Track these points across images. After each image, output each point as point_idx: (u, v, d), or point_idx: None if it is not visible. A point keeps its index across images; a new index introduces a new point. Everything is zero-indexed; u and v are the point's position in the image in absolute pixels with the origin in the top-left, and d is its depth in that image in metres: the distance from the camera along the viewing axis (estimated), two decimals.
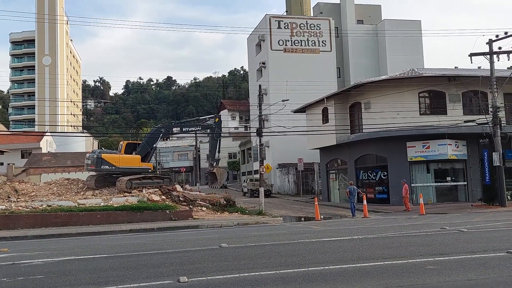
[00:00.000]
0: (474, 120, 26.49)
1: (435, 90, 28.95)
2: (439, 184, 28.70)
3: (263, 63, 51.64)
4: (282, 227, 18.58)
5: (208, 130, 32.37)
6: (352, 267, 8.35)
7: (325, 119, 33.39)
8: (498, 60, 25.17)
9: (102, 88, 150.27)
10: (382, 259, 9.02)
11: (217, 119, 31.45)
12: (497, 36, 24.71)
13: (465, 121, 27.07)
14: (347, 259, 9.29)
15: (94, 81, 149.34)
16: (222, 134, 30.56)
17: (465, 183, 28.80)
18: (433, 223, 16.95)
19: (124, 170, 27.00)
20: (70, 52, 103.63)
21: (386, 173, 29.47)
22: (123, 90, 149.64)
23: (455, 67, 35.15)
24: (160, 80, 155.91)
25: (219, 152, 30.82)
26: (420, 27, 54.13)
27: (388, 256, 9.39)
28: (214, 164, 30.67)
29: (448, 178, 29.03)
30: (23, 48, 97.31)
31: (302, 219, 23.54)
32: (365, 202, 23.31)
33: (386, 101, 27.90)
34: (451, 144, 27.59)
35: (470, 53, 24.73)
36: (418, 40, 53.42)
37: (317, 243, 12.11)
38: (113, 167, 26.67)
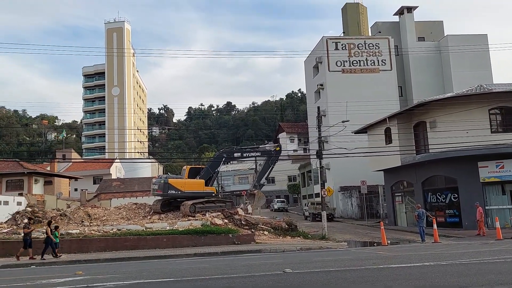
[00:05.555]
0: None
1: (507, 106, 27.37)
2: None
3: (321, 85, 51.46)
4: (347, 252, 18.06)
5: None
6: None
7: (388, 139, 32.47)
8: None
9: (166, 115, 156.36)
10: None
11: (278, 148, 32.14)
12: None
13: None
14: (419, 287, 8.81)
15: (158, 108, 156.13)
16: (281, 157, 31.17)
17: None
18: None
19: (189, 195, 27.71)
20: (137, 82, 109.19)
21: (456, 195, 27.98)
22: (186, 116, 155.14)
23: None
24: (220, 106, 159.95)
25: (266, 178, 31.39)
26: (487, 41, 51.79)
27: (464, 285, 8.79)
28: (258, 187, 30.92)
29: None
30: (95, 81, 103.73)
31: (370, 244, 22.76)
32: (435, 226, 22.20)
33: (453, 120, 26.70)
34: None
35: None
36: (485, 55, 51.06)
37: (386, 270, 11.61)
38: (179, 192, 27.53)
